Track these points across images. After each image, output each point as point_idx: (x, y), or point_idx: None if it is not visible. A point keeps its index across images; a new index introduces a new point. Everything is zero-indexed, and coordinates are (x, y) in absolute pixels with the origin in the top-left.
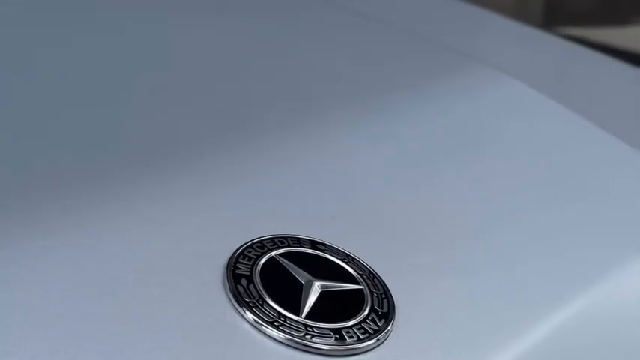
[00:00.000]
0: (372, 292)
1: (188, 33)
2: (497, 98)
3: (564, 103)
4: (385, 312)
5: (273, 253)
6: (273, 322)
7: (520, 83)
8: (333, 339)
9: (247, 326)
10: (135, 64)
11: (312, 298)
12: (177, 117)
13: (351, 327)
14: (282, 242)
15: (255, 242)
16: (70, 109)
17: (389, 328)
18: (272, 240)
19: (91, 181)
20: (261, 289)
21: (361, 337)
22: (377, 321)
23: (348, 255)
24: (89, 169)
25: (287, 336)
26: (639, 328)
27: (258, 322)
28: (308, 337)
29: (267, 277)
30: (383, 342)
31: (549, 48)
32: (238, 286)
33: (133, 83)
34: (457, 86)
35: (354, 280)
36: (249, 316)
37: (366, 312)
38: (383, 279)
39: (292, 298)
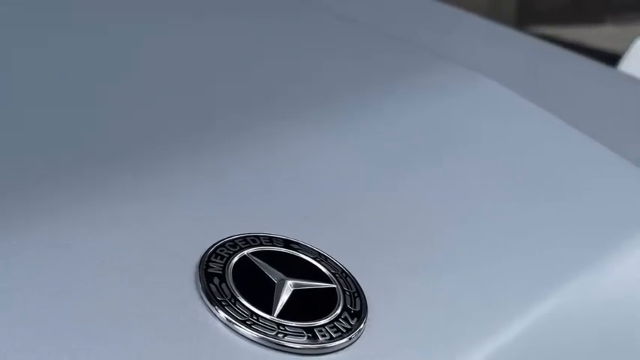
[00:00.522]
0: (344, 291)
1: (164, 35)
2: (470, 97)
3: (538, 102)
4: (358, 311)
5: (245, 252)
6: (245, 320)
7: (494, 82)
8: (305, 338)
9: (220, 325)
10: (113, 64)
11: (284, 297)
12: (150, 118)
13: (323, 326)
14: (254, 241)
15: (228, 241)
16: (47, 108)
17: (361, 326)
18: (244, 239)
19: (63, 181)
20: (234, 287)
21: (334, 335)
22: (349, 320)
23: (320, 254)
24: (62, 168)
25: (259, 335)
26: (611, 327)
27: (230, 321)
28: (280, 335)
29: (240, 275)
30: (355, 341)
31: (523, 47)
32: (211, 285)
33: (107, 84)
34: (431, 85)
35: (326, 279)
36: (222, 314)
37: (338, 311)
38: (355, 278)
39: (265, 297)
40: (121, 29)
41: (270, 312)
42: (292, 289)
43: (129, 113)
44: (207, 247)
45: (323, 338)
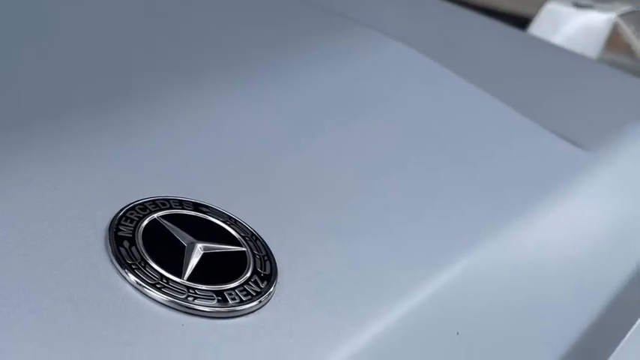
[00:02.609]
0: (254, 255)
1: None
2: (380, 61)
3: (448, 65)
4: (267, 274)
5: (155, 215)
6: (155, 284)
7: (404, 46)
8: (215, 301)
9: (129, 288)
10: (26, 24)
11: (194, 260)
12: (60, 79)
13: (233, 289)
14: (164, 204)
15: (137, 204)
16: None
17: (271, 290)
18: (154, 202)
19: None
20: (144, 251)
21: (243, 299)
22: (259, 283)
23: (230, 217)
24: None
25: (169, 298)
26: (519, 288)
27: (140, 285)
28: (190, 299)
29: (150, 239)
30: (265, 304)
31: (433, 10)
32: (120, 249)
33: (19, 44)
34: (341, 48)
35: (236, 243)
36: (132, 278)
37: (248, 274)
38: (265, 241)
39: (174, 261)
40: None
41: (180, 275)
42: (202, 253)
43: (40, 74)
44: (117, 211)
45: (233, 301)
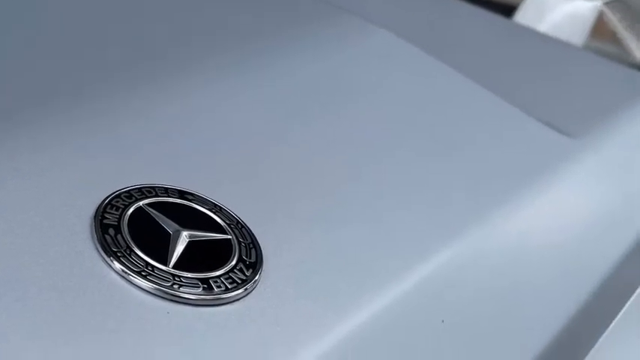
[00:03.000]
0: (239, 242)
1: None
2: (366, 49)
3: (434, 54)
4: (253, 262)
5: (140, 203)
6: (140, 271)
7: (390, 34)
8: (200, 289)
9: (115, 276)
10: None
11: (179, 248)
12: (41, 67)
13: (218, 277)
14: (150, 192)
15: (123, 192)
16: None
17: (256, 278)
18: (140, 190)
19: None
20: (129, 239)
21: (229, 286)
22: (245, 271)
23: (216, 205)
24: None
25: (155, 286)
26: (504, 278)
27: (125, 272)
28: (176, 286)
29: (135, 227)
30: (251, 292)
31: None
32: (106, 236)
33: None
34: (328, 36)
35: (222, 230)
36: (117, 265)
37: (233, 262)
38: (251, 229)
39: (160, 248)
40: None
41: (165, 263)
42: (188, 240)
43: (25, 63)
44: (103, 198)
45: (218, 289)
